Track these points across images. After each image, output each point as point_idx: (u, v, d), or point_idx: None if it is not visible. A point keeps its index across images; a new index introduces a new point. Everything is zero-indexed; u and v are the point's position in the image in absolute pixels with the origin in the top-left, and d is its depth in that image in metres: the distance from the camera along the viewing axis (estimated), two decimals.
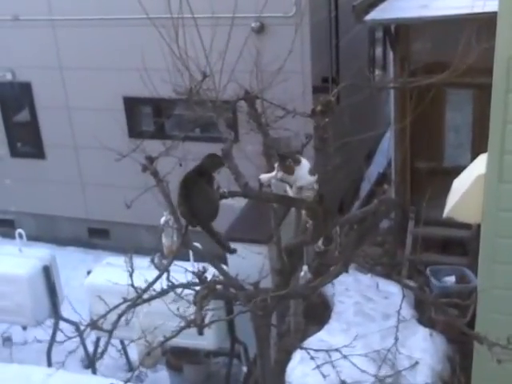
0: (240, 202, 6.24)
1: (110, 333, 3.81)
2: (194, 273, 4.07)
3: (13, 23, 9.65)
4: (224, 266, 4.73)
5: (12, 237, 8.02)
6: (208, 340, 6.56)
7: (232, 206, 5.71)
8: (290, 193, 4.03)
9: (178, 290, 4.09)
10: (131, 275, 3.99)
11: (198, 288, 3.98)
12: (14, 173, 10.75)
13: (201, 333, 3.64)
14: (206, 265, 4.39)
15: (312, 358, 4.73)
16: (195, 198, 3.89)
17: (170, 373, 7.43)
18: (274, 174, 3.95)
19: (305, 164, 3.90)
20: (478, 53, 3.90)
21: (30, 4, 9.60)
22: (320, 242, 4.08)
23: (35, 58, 9.83)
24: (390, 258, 4.86)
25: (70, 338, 4.06)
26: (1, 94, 10.34)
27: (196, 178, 3.93)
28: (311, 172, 3.90)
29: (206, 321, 3.77)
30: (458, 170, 5.25)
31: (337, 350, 4.69)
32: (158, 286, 4.04)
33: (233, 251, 4.24)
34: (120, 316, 3.82)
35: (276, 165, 3.90)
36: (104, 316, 3.84)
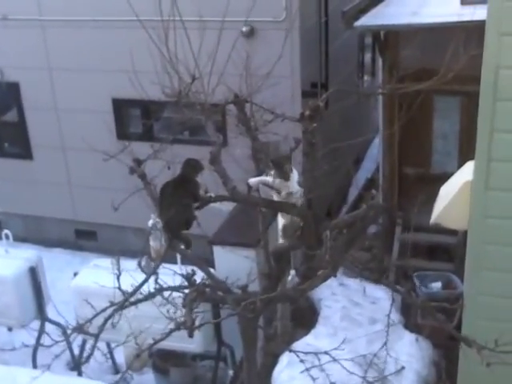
0: (228, 206, 6.25)
1: (97, 337, 3.80)
2: (183, 275, 4.07)
3: (2, 23, 9.61)
4: (211, 270, 4.74)
5: None
6: (195, 343, 6.55)
7: (220, 210, 5.72)
8: (277, 198, 4.04)
9: (166, 293, 4.09)
10: (118, 278, 3.98)
11: (186, 291, 3.98)
12: (0, 173, 10.68)
13: (191, 335, 3.65)
14: (193, 268, 4.39)
15: (302, 360, 4.74)
16: (168, 207, 3.92)
17: (157, 376, 7.41)
18: (268, 180, 3.95)
19: (295, 172, 3.94)
20: (466, 61, 3.93)
21: (19, 4, 9.56)
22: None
23: (24, 58, 9.79)
24: (377, 263, 4.87)
25: (56, 342, 4.05)
26: None
27: (175, 186, 3.95)
28: (299, 181, 3.94)
29: (196, 323, 3.77)
30: (445, 177, 5.28)
31: (326, 352, 4.70)
32: (145, 289, 4.04)
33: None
34: (106, 320, 3.82)
35: (272, 172, 3.91)
36: (90, 320, 3.83)
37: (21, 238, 9.35)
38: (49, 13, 9.42)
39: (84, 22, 9.21)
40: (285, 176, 3.88)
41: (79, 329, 3.81)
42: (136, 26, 5.02)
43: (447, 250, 7.95)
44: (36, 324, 7.54)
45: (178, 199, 3.92)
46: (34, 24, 9.51)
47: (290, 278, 5.23)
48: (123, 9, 5.71)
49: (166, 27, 4.09)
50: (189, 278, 4.03)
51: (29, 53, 9.74)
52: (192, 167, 4.01)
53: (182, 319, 3.64)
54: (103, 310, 3.88)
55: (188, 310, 3.66)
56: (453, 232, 7.13)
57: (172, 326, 3.73)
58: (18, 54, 9.78)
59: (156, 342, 3.91)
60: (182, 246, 4.37)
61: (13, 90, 10.06)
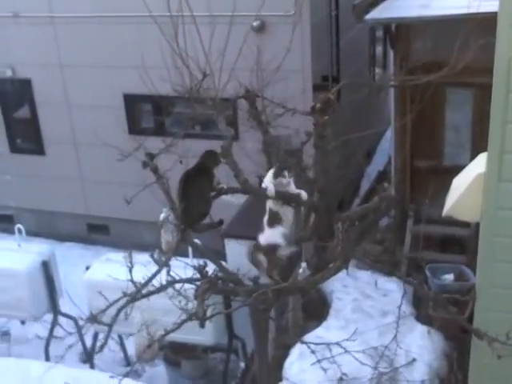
0: (239, 199, 6.27)
1: (110, 327, 3.83)
2: (195, 267, 4.09)
3: (13, 20, 9.66)
4: (223, 262, 4.76)
5: (11, 232, 8.06)
6: (206, 335, 6.58)
7: (231, 203, 5.73)
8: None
9: (178, 285, 4.11)
10: (130, 271, 4.00)
11: (198, 283, 4.00)
12: (13, 169, 10.76)
13: (202, 325, 3.67)
14: (205, 260, 4.41)
15: (313, 351, 4.75)
16: (191, 196, 3.92)
17: (168, 368, 7.45)
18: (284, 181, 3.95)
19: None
20: (478, 53, 3.92)
21: (30, 1, 9.61)
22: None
23: (35, 54, 9.84)
24: (389, 256, 4.87)
25: (69, 333, 4.09)
26: (1, 90, 10.35)
27: (196, 176, 3.96)
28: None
29: (207, 315, 3.80)
30: (457, 169, 5.26)
31: (337, 343, 4.71)
32: (157, 282, 4.06)
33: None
34: (120, 310, 3.84)
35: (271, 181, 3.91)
36: (104, 311, 3.86)
37: (33, 233, 9.41)
38: (59, 10, 9.46)
39: (94, 19, 9.24)
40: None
41: (93, 319, 3.83)
42: (146, 21, 5.05)
43: (459, 242, 7.94)
44: (49, 317, 7.61)
45: (198, 189, 3.93)
46: (45, 21, 9.55)
47: (301, 270, 5.24)
48: (133, 5, 5.75)
49: (176, 23, 4.10)
50: (201, 269, 4.05)
51: (40, 49, 9.79)
52: (211, 158, 4.01)
53: (194, 310, 3.67)
54: (116, 301, 3.90)
55: (200, 300, 3.69)
56: (465, 224, 7.10)
57: (183, 317, 3.76)
58: (30, 51, 9.82)
59: (167, 333, 3.93)
60: (196, 240, 4.39)
61: (25, 86, 10.11)
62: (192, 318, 3.66)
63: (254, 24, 8.35)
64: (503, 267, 4.80)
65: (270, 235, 3.98)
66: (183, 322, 3.76)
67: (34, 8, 9.55)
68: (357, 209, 5.27)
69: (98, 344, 6.83)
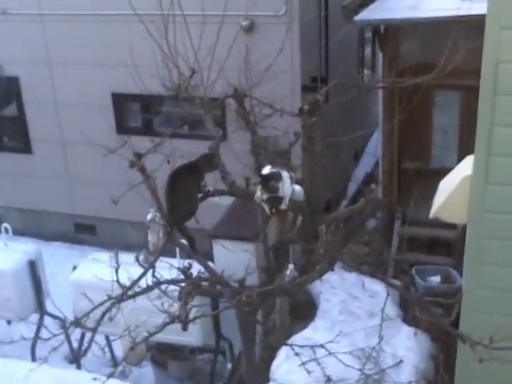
0: (227, 200, 6.25)
1: (94, 330, 3.81)
2: (179, 269, 4.07)
3: (1, 17, 9.59)
4: (210, 263, 4.74)
5: None
6: (193, 336, 6.57)
7: (219, 204, 5.72)
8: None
9: (163, 287, 4.09)
10: (117, 271, 3.98)
11: (183, 284, 3.98)
12: (0, 167, 10.69)
13: (185, 329, 3.65)
14: (191, 261, 4.39)
15: (297, 354, 4.75)
16: (178, 194, 3.89)
17: (155, 369, 7.43)
18: (258, 195, 3.87)
19: (285, 176, 3.84)
20: (465, 55, 3.93)
21: None
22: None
23: (23, 52, 9.77)
24: (376, 257, 4.87)
25: (55, 335, 4.05)
26: None
27: (185, 174, 3.93)
28: (292, 179, 3.85)
29: (191, 317, 3.78)
30: (444, 171, 5.28)
31: (322, 346, 4.71)
32: (143, 283, 4.04)
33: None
34: (104, 313, 3.82)
35: (259, 187, 3.83)
36: (88, 314, 3.84)
37: (20, 232, 9.35)
38: (48, 7, 9.39)
39: (83, 16, 9.19)
40: (273, 190, 3.77)
41: (77, 323, 3.81)
42: (136, 19, 5.02)
43: (446, 244, 7.96)
44: (35, 317, 7.55)
45: (186, 187, 3.90)
46: (34, 18, 9.49)
47: (288, 272, 5.23)
48: (123, 3, 5.70)
49: (166, 21, 4.09)
50: (185, 271, 4.03)
51: (28, 47, 9.72)
52: (207, 162, 3.98)
53: (177, 313, 3.65)
54: (101, 304, 3.88)
55: (183, 303, 3.67)
56: (452, 226, 7.13)
57: (167, 319, 3.74)
58: (18, 49, 9.76)
59: (150, 335, 3.92)
60: (183, 241, 4.37)
61: (12, 84, 10.04)
62: (175, 321, 3.64)
63: (244, 24, 8.34)
64: (490, 269, 4.81)
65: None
66: (166, 324, 3.75)
67: (22, 5, 9.49)
68: (343, 211, 5.27)
69: (85, 346, 6.81)
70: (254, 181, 3.86)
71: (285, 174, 3.83)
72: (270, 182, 3.76)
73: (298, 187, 3.93)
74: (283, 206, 3.88)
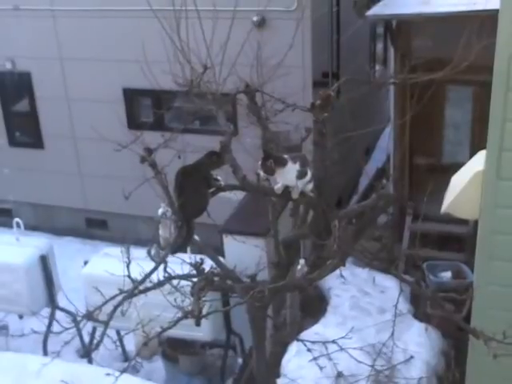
0: (238, 195, 6.26)
1: (106, 324, 3.82)
2: (191, 264, 4.08)
3: (13, 13, 9.63)
4: (221, 259, 4.75)
5: (10, 226, 8.03)
6: (204, 331, 6.59)
7: (230, 199, 5.73)
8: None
9: (175, 282, 4.10)
10: (128, 266, 3.99)
11: (195, 279, 3.99)
12: (12, 162, 10.74)
13: (198, 324, 3.65)
14: (203, 257, 4.40)
15: (309, 349, 4.75)
16: (188, 191, 3.90)
17: (166, 363, 7.45)
18: (278, 186, 3.87)
19: (290, 168, 3.80)
20: (478, 50, 3.91)
21: None
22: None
23: (35, 47, 9.81)
24: (387, 253, 4.86)
25: (66, 328, 4.07)
26: (0, 83, 10.32)
27: (192, 171, 3.94)
28: (300, 176, 3.82)
29: (203, 312, 3.78)
30: (456, 167, 5.26)
31: (333, 341, 4.71)
32: (155, 278, 4.05)
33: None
34: (116, 307, 3.83)
35: (259, 162, 3.82)
36: (100, 307, 3.84)
37: (32, 227, 9.39)
38: (60, 3, 9.43)
39: (95, 12, 9.21)
40: (268, 170, 3.75)
41: (89, 316, 3.82)
42: (148, 15, 5.03)
43: (458, 240, 7.94)
44: (47, 312, 7.60)
45: (195, 184, 3.91)
46: (46, 14, 9.52)
47: (299, 267, 5.23)
48: None
49: (178, 17, 4.09)
50: (197, 266, 4.03)
51: (40, 43, 9.76)
52: (211, 161, 3.97)
53: (190, 308, 3.65)
54: (113, 298, 3.89)
55: (196, 298, 3.67)
56: (463, 222, 7.11)
57: (180, 314, 3.74)
58: (30, 44, 9.79)
59: (163, 331, 3.92)
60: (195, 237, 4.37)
61: (24, 79, 10.09)
62: (188, 316, 3.64)
63: (255, 19, 8.34)
64: (501, 265, 4.80)
65: None
66: (179, 319, 3.75)
67: (34, 1, 9.53)
68: (354, 206, 5.24)
69: (96, 340, 6.84)
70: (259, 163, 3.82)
71: (291, 165, 3.79)
72: (267, 161, 3.73)
73: (300, 184, 3.87)
74: (295, 196, 3.86)
